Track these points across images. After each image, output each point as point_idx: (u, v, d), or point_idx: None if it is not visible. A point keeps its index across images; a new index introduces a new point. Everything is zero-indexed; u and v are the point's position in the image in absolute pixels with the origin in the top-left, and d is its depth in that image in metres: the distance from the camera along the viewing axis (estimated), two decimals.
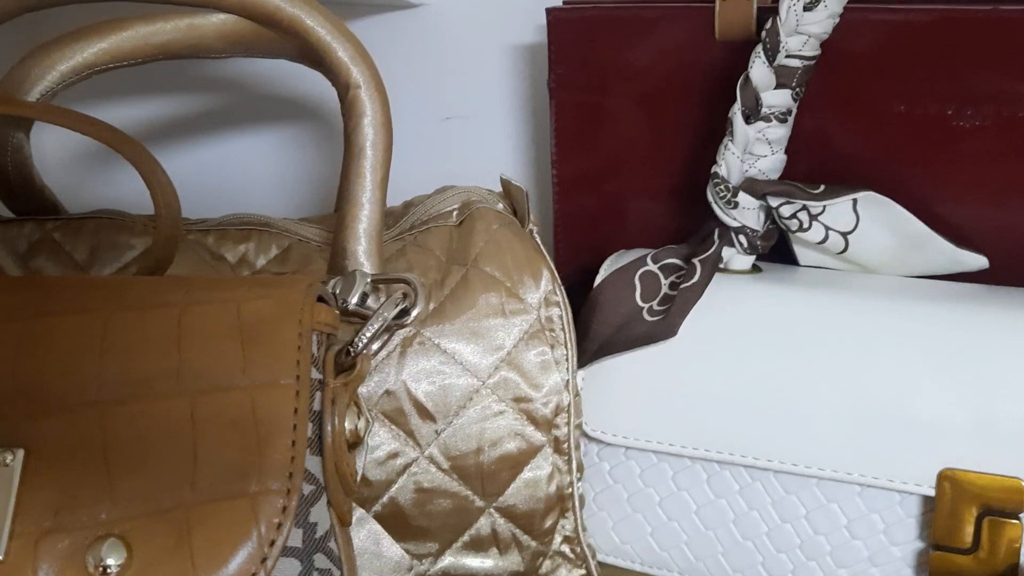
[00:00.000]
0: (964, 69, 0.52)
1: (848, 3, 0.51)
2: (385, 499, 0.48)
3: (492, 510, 0.50)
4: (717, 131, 0.55)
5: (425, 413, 0.48)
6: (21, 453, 0.35)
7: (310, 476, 0.38)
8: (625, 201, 0.63)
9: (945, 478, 0.49)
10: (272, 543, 0.35)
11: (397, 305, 0.41)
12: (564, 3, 0.61)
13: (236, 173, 0.75)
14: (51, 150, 0.54)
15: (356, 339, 0.40)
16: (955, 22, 0.52)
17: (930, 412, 0.49)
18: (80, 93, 0.54)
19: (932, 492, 0.49)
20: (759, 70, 0.51)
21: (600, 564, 0.56)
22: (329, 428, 0.39)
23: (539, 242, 0.53)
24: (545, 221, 0.68)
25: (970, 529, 0.48)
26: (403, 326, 0.42)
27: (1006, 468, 0.48)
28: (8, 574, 0.34)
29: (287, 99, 0.75)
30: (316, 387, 0.39)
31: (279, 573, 0.37)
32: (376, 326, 0.40)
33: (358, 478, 0.42)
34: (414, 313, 0.42)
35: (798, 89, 0.52)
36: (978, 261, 0.54)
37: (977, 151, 0.53)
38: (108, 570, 0.34)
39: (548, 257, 0.52)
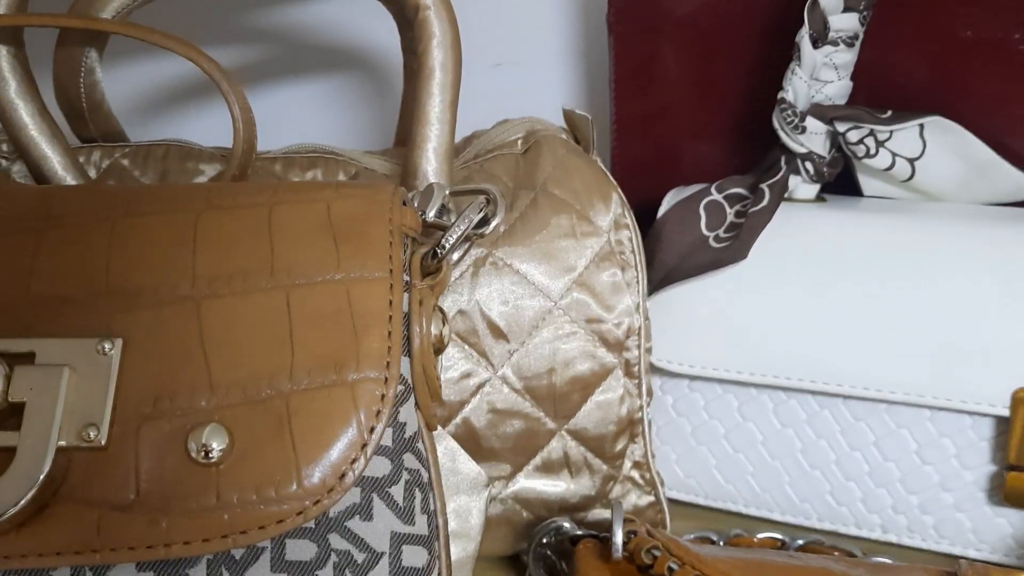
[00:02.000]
0: None
1: None
2: (459, 420, 0.48)
3: (564, 433, 0.49)
4: (777, 67, 0.55)
5: (498, 333, 0.48)
6: (119, 342, 0.35)
7: (399, 377, 0.38)
8: (682, 140, 0.63)
9: (1020, 399, 0.48)
10: (372, 430, 0.35)
11: (480, 210, 0.41)
12: None
13: (282, 122, 0.75)
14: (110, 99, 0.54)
15: (443, 240, 0.40)
16: None
17: (1002, 333, 0.49)
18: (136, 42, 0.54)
19: (1006, 413, 0.49)
20: None
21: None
22: (417, 329, 0.39)
23: (605, 168, 0.52)
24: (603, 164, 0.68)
25: None
26: (483, 235, 0.42)
27: None
28: (110, 459, 0.34)
29: (334, 49, 0.75)
30: (404, 288, 0.39)
31: (370, 471, 0.37)
32: (462, 227, 0.40)
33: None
34: (495, 221, 0.42)
35: (865, 13, 0.52)
36: None
37: None
38: (211, 454, 0.33)
39: (615, 182, 0.51)
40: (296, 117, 0.76)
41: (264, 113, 0.69)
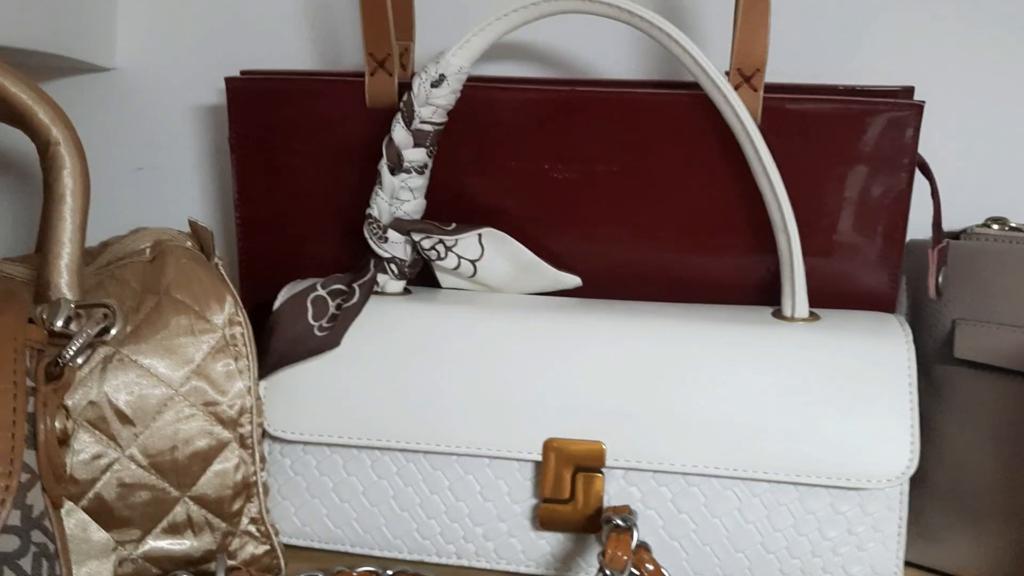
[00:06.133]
0: (555, 134, 0.68)
1: (468, 82, 0.66)
2: (91, 494, 0.56)
3: (187, 499, 0.59)
4: (373, 182, 0.68)
5: (125, 419, 0.57)
6: None
7: (26, 467, 0.47)
8: (300, 241, 0.74)
9: (550, 446, 0.63)
10: None
11: (99, 323, 0.50)
12: (241, 73, 0.72)
13: None
14: None
15: (63, 352, 0.49)
16: (543, 99, 0.68)
17: (536, 395, 0.63)
18: None
19: (540, 458, 0.63)
20: (399, 133, 0.65)
21: (285, 546, 0.66)
22: (42, 426, 0.47)
23: (224, 273, 0.63)
24: (232, 260, 0.78)
25: (568, 484, 0.63)
26: (104, 342, 0.51)
27: (591, 435, 0.63)
28: None
29: None
30: (30, 393, 0.47)
31: (1, 547, 0.45)
32: (81, 340, 0.49)
33: (67, 472, 0.50)
34: (114, 331, 0.51)
35: (432, 147, 0.66)
36: (573, 280, 0.70)
37: (569, 196, 0.69)
38: None
39: (231, 285, 0.62)
40: None
41: None
